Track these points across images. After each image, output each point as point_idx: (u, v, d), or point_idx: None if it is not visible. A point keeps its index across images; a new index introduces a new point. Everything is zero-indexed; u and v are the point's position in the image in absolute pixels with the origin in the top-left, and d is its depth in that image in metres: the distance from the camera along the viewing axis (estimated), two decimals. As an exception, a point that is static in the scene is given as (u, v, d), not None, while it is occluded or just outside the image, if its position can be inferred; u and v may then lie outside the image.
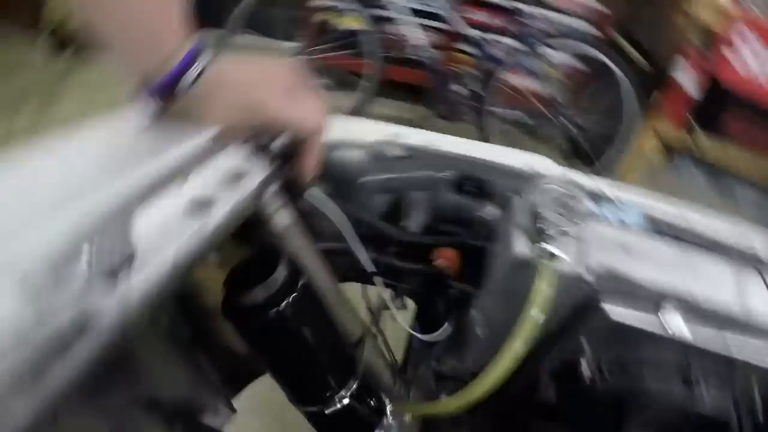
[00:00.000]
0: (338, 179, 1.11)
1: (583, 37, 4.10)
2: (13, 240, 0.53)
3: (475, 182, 1.17)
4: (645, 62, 4.42)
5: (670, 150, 4.89)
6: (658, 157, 4.92)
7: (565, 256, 0.89)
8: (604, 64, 3.93)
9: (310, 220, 1.07)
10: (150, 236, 0.61)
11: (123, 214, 0.59)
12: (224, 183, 0.80)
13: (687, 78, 4.13)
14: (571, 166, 1.29)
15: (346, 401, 0.96)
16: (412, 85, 4.51)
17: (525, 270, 0.92)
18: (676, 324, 1.03)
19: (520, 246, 0.91)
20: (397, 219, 1.16)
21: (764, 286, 1.08)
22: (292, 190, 0.95)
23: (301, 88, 0.88)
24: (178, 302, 1.38)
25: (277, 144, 0.93)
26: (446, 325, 1.17)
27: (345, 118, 1.18)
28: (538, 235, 0.89)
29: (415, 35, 4.06)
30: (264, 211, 0.88)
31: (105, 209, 0.58)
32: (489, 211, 1.18)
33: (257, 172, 0.84)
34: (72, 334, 0.49)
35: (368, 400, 1.02)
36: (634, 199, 1.22)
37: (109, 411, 1.19)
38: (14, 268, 0.49)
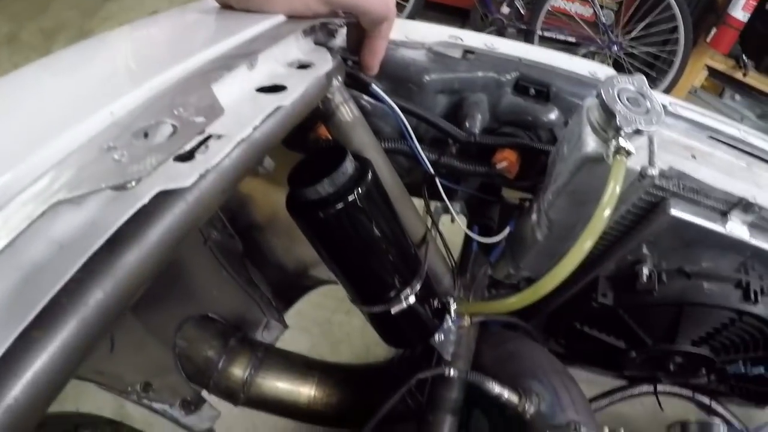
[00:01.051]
0: (400, 78, 1.08)
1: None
2: (95, 113, 0.52)
3: (538, 84, 1.14)
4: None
5: (720, 82, 4.73)
6: (707, 89, 4.78)
7: (636, 153, 0.86)
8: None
9: (370, 120, 1.05)
10: (227, 113, 0.60)
11: (202, 83, 0.58)
12: (292, 70, 0.78)
13: (739, 10, 3.97)
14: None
15: (411, 299, 0.96)
16: (459, 7, 4.39)
17: (594, 170, 0.90)
18: (739, 227, 1.02)
19: (592, 144, 0.89)
20: (458, 121, 1.13)
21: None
22: (357, 85, 0.93)
23: None
24: (229, 217, 1.40)
25: (342, 37, 0.92)
26: (507, 228, 1.16)
27: (404, 21, 1.15)
28: (611, 132, 0.86)
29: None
30: (330, 104, 0.87)
31: (184, 78, 0.57)
32: (551, 114, 1.15)
33: (323, 63, 0.82)
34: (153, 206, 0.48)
35: (431, 300, 1.03)
36: (694, 113, 1.18)
37: (165, 327, 1.23)
38: (99, 140, 0.49)
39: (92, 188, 0.41)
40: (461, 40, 1.16)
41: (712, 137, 1.13)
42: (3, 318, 0.38)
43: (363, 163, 0.85)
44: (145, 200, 0.46)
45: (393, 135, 1.10)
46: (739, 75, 4.36)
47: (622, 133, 0.84)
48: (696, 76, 4.45)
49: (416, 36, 1.12)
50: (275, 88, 0.69)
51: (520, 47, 1.19)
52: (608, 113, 0.86)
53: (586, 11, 4.11)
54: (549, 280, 0.85)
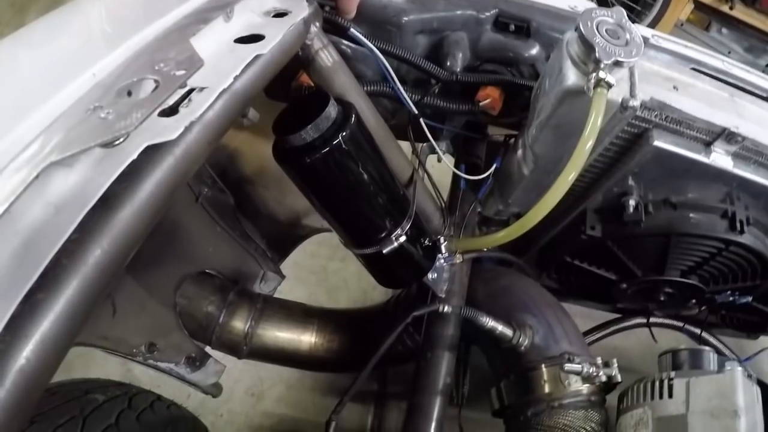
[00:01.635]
0: (379, 20, 1.07)
1: None
2: (78, 77, 0.53)
3: (517, 20, 1.13)
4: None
5: (706, 15, 4.66)
6: (694, 23, 4.71)
7: (615, 84, 0.87)
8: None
9: (352, 64, 1.05)
10: (208, 65, 0.60)
11: (180, 38, 0.58)
12: (269, 19, 0.78)
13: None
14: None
15: (402, 239, 0.97)
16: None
17: (576, 102, 0.90)
18: (722, 157, 1.03)
19: (573, 77, 0.89)
20: (439, 61, 1.13)
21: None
22: (336, 30, 0.93)
23: None
24: (218, 172, 1.40)
25: None
26: (494, 165, 1.17)
27: None
28: (591, 65, 0.86)
29: None
30: (309, 50, 0.87)
31: (162, 35, 0.57)
32: (532, 49, 1.15)
33: (300, 10, 0.81)
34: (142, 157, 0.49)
35: (421, 239, 1.04)
36: (677, 46, 1.18)
37: (164, 287, 1.25)
38: (86, 101, 0.49)
39: (82, 147, 0.42)
40: None
41: (694, 69, 1.13)
42: (7, 282, 0.39)
43: (346, 107, 0.86)
44: (134, 156, 0.47)
45: (375, 78, 1.09)
46: (725, 8, 4.30)
47: (602, 65, 0.84)
48: (682, 9, 4.36)
49: None
50: (253, 38, 0.69)
51: None
52: (588, 46, 0.86)
53: None
54: (535, 213, 0.87)
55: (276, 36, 0.71)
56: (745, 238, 1.11)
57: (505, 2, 1.14)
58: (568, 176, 0.84)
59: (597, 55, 0.84)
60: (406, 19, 1.08)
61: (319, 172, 0.84)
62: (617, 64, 0.85)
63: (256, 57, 0.65)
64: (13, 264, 0.40)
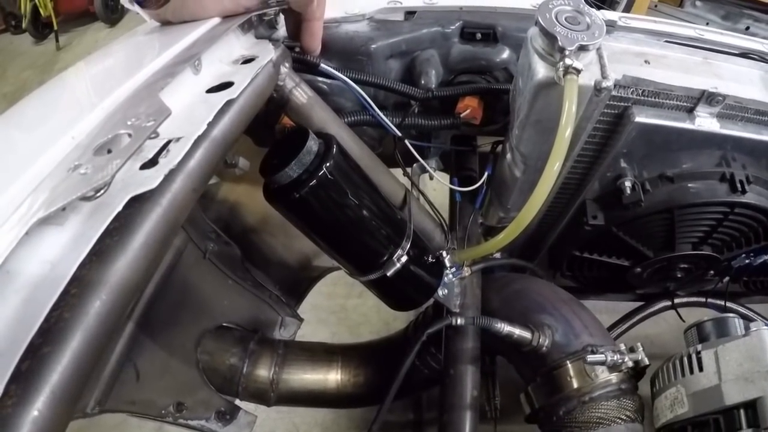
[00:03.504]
0: (348, 52, 1.10)
1: None
2: (58, 141, 0.55)
3: (482, 28, 1.16)
4: None
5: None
6: (667, 2, 4.76)
7: (585, 69, 0.88)
8: None
9: (330, 99, 1.08)
10: (183, 116, 0.62)
11: (149, 93, 0.60)
12: (238, 66, 0.81)
13: None
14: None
15: (404, 259, 0.98)
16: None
17: (550, 95, 0.92)
18: (708, 120, 1.03)
19: (542, 71, 0.91)
20: (414, 81, 1.15)
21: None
22: (306, 68, 0.96)
23: None
24: (222, 227, 1.43)
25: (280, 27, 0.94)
26: (486, 173, 1.19)
27: None
28: (557, 55, 0.88)
29: None
30: (283, 91, 0.89)
31: (133, 92, 0.60)
32: (503, 53, 1.17)
33: (266, 54, 0.84)
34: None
35: (424, 257, 1.05)
36: (647, 23, 1.20)
37: (183, 345, 1.26)
38: (66, 163, 0.52)
39: (65, 201, 0.44)
40: (400, 3, 1.18)
41: (667, 41, 1.15)
42: (11, 339, 0.41)
43: (327, 139, 0.88)
44: (119, 208, 0.49)
45: (355, 108, 1.12)
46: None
47: (567, 52, 0.85)
48: (654, -11, 4.42)
49: (355, 9, 1.14)
50: (224, 86, 0.72)
51: None
52: (550, 37, 0.87)
53: None
54: (528, 208, 0.88)
55: (245, 80, 0.74)
56: (749, 197, 1.11)
57: (468, 13, 1.17)
58: (553, 167, 0.85)
59: (560, 43, 0.86)
60: (374, 46, 1.10)
61: (310, 206, 0.86)
62: (582, 48, 0.87)
63: (228, 102, 0.68)
64: (15, 321, 0.42)
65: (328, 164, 0.83)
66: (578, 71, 0.85)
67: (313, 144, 0.84)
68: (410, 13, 1.16)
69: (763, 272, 1.48)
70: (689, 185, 1.12)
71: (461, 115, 1.13)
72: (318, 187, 0.83)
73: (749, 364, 0.98)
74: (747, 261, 1.33)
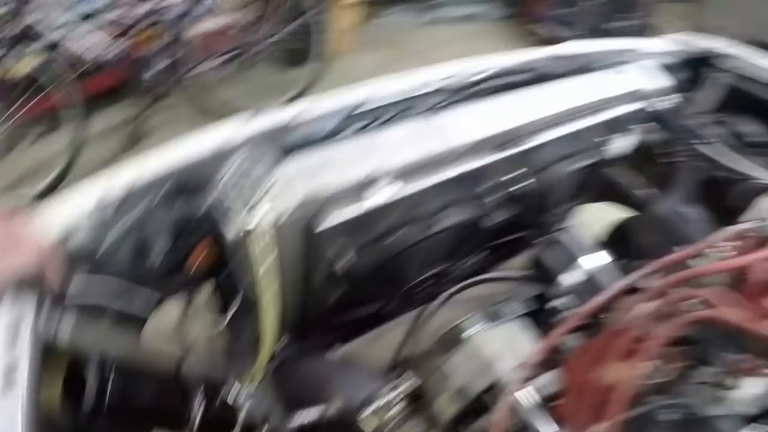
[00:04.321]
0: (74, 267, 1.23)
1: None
2: None
3: (181, 187, 1.33)
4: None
5: (365, 11, 5.26)
6: (361, 20, 5.27)
7: (268, 215, 1.13)
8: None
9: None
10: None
11: None
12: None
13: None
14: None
15: (200, 414, 1.16)
16: (117, 87, 4.37)
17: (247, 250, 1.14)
18: (380, 195, 1.32)
19: (232, 232, 1.13)
20: (145, 254, 1.31)
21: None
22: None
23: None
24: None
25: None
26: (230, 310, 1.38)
27: (43, 211, 1.24)
28: (242, 213, 1.10)
29: (94, 39, 3.90)
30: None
31: None
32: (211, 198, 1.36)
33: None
34: None
35: (215, 402, 1.23)
36: (332, 103, 1.46)
37: None
38: None
39: None
40: (106, 195, 1.27)
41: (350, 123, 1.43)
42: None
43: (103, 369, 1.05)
44: None
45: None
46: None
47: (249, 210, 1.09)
48: (344, 16, 4.88)
49: (66, 219, 1.22)
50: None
51: (164, 159, 1.34)
52: (225, 205, 1.10)
53: (227, 18, 4.23)
54: (264, 345, 1.11)
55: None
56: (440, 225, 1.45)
57: (163, 180, 1.31)
58: (267, 305, 1.09)
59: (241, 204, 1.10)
60: (99, 252, 1.24)
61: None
62: (262, 198, 1.11)
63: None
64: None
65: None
66: (256, 228, 1.10)
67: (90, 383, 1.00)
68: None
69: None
70: (390, 240, 1.43)
71: (193, 266, 1.31)
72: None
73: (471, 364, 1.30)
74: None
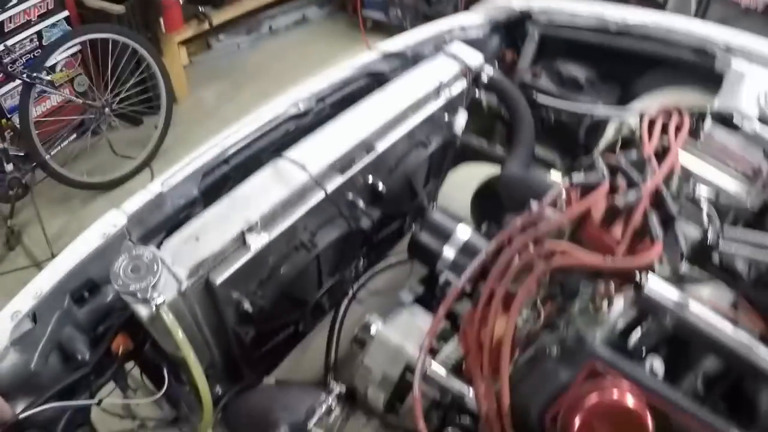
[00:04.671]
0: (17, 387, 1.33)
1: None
2: None
3: (85, 287, 1.46)
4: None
5: (199, 42, 5.32)
6: (197, 54, 5.32)
7: (170, 287, 1.28)
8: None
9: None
10: None
11: None
12: None
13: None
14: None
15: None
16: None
17: (161, 324, 1.28)
18: (258, 238, 1.49)
19: (144, 310, 1.26)
20: (71, 359, 1.42)
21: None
22: None
23: None
24: None
25: None
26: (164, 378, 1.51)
27: None
28: (148, 291, 1.23)
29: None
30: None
31: None
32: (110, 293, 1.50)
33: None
34: None
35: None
36: (174, 180, 1.59)
37: None
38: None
39: None
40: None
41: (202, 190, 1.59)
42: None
43: None
44: None
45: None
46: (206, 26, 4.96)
47: (149, 296, 1.23)
48: (179, 55, 4.91)
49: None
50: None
51: (59, 265, 1.43)
52: (131, 295, 1.24)
53: (63, 95, 4.12)
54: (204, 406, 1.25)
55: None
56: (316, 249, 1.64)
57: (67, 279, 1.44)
58: (199, 375, 1.25)
59: (139, 296, 1.23)
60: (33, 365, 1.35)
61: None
62: (154, 287, 1.25)
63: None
64: None
65: None
66: (164, 302, 1.24)
67: None
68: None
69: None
70: (282, 271, 1.61)
71: (116, 354, 1.44)
72: None
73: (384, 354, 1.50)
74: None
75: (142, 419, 1.49)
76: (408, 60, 2.23)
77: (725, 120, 1.78)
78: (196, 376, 1.26)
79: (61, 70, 4.14)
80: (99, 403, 1.40)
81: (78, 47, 4.10)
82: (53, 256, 1.58)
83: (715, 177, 1.61)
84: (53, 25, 4.08)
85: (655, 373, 1.13)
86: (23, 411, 1.27)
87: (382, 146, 1.82)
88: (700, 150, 1.72)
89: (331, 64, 2.07)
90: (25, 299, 1.37)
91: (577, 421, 1.03)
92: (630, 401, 1.03)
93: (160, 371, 1.49)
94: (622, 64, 2.47)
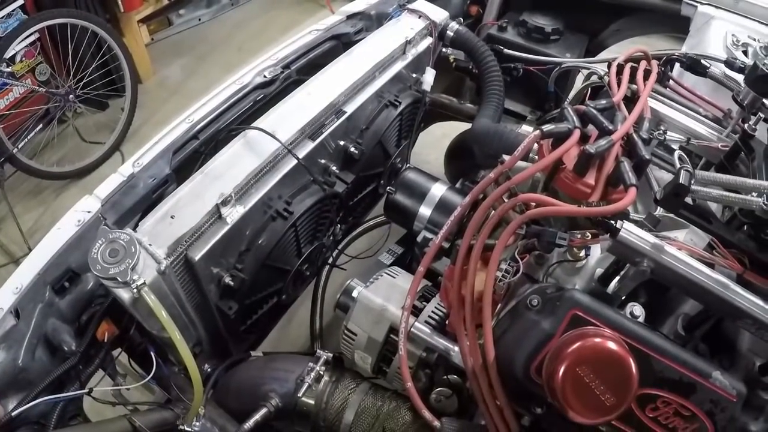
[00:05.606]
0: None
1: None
2: None
3: (64, 276, 1.44)
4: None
5: (162, 16, 5.18)
6: (158, 30, 5.19)
7: (146, 267, 1.27)
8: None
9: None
10: None
11: None
12: None
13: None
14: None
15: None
16: None
17: (144, 304, 1.26)
18: (233, 210, 1.47)
19: (125, 294, 1.25)
20: (57, 350, 1.42)
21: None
22: None
23: None
24: None
25: None
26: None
27: None
28: (128, 274, 1.22)
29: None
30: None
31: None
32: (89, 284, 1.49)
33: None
34: None
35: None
36: (145, 160, 1.56)
37: None
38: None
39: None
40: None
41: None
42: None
43: None
44: None
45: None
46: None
47: (128, 279, 1.22)
48: (141, 36, 4.79)
49: None
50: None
51: (36, 257, 1.41)
52: (112, 279, 1.22)
53: (23, 87, 3.96)
54: (194, 376, 1.26)
55: None
56: (293, 216, 1.64)
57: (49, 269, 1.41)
58: (177, 340, 1.24)
59: (119, 280, 1.22)
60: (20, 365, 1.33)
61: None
62: (133, 269, 1.24)
63: None
64: None
65: None
66: (144, 283, 1.23)
67: None
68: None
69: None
70: (260, 242, 1.60)
71: (105, 340, 1.44)
72: None
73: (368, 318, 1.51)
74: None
75: (134, 404, 1.48)
76: (372, 19, 2.20)
77: (693, 64, 1.79)
78: (183, 354, 1.26)
79: (21, 61, 3.99)
80: (90, 392, 1.39)
81: (36, 35, 3.95)
82: (30, 250, 1.54)
83: (684, 121, 1.63)
84: (9, 15, 3.89)
85: (636, 318, 1.14)
86: (15, 408, 1.27)
87: (350, 108, 1.81)
88: (669, 95, 1.74)
89: (296, 31, 2.03)
90: (6, 296, 1.35)
91: (561, 369, 1.04)
92: (613, 346, 1.05)
93: (147, 354, 1.49)
94: (590, 13, 2.47)
